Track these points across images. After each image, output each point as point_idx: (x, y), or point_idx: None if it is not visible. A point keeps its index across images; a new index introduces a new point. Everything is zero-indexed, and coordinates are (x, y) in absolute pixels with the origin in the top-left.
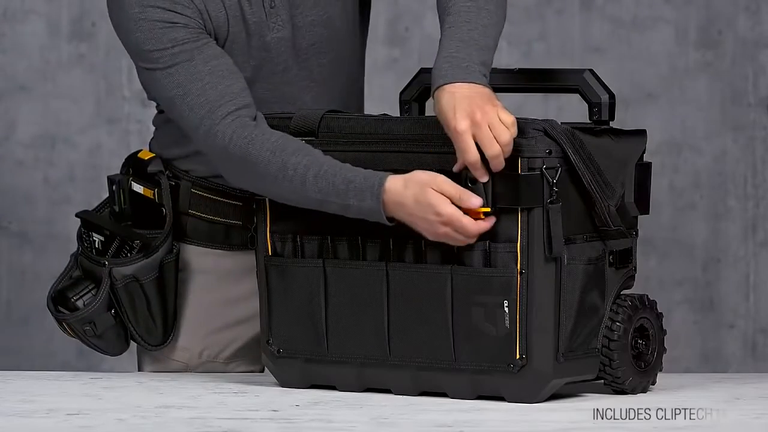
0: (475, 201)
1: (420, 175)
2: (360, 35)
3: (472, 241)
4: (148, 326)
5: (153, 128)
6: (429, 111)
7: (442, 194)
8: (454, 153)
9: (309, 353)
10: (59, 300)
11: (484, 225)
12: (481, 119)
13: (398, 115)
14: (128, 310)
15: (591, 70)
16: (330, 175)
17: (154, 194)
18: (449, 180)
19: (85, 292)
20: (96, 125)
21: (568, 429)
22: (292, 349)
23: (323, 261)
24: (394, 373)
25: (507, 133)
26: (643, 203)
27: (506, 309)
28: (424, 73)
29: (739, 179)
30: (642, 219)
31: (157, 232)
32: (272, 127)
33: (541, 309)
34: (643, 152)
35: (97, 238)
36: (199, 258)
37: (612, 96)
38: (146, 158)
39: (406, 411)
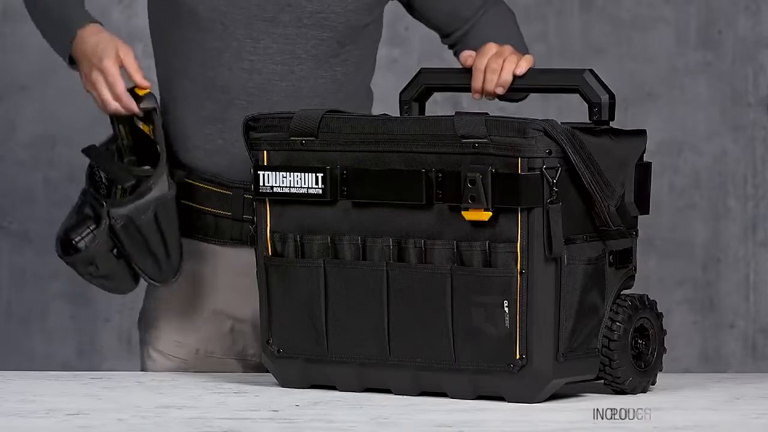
0: (141, 81)
1: (118, 40)
2: (373, 32)
3: (113, 104)
4: (151, 263)
5: None
6: (429, 111)
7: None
8: (454, 153)
9: (309, 353)
10: (65, 242)
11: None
12: (507, 53)
13: (398, 115)
14: (129, 250)
15: (591, 70)
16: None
17: (150, 131)
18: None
19: (87, 233)
20: (97, 125)
21: (568, 429)
22: (292, 349)
23: (323, 261)
24: (394, 373)
25: (509, 73)
26: (643, 203)
27: (506, 309)
28: (424, 73)
29: (739, 179)
30: (642, 219)
31: (151, 171)
32: (271, 126)
33: (541, 309)
34: (643, 152)
35: (103, 174)
36: (190, 252)
37: (612, 96)
38: (141, 94)
39: (406, 411)
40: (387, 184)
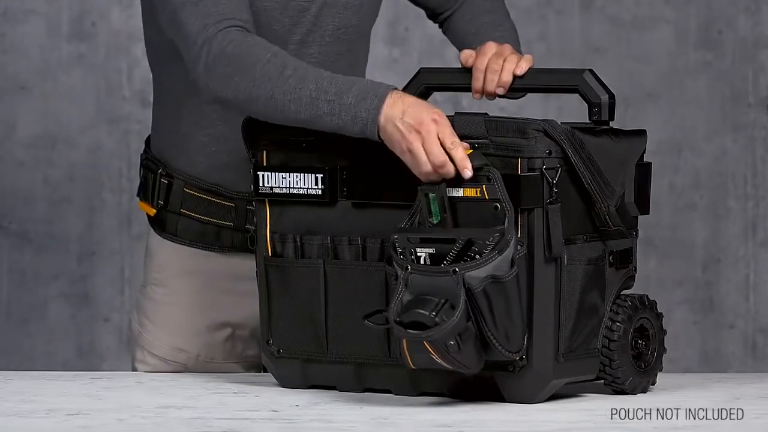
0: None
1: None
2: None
3: (428, 168)
4: (506, 331)
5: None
6: None
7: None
8: None
9: (309, 353)
10: (409, 324)
11: (442, 158)
12: (506, 53)
13: None
14: (486, 316)
15: (591, 70)
16: (333, 77)
17: (480, 191)
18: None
19: (438, 306)
20: (96, 125)
21: (568, 429)
22: (292, 349)
23: (323, 261)
24: (394, 373)
25: (509, 74)
26: (643, 203)
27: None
28: (424, 73)
29: (739, 179)
30: (642, 219)
31: (500, 228)
32: (271, 127)
33: (541, 309)
34: (643, 152)
35: (424, 252)
36: (190, 259)
37: (612, 96)
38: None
39: (406, 411)
40: (387, 184)
